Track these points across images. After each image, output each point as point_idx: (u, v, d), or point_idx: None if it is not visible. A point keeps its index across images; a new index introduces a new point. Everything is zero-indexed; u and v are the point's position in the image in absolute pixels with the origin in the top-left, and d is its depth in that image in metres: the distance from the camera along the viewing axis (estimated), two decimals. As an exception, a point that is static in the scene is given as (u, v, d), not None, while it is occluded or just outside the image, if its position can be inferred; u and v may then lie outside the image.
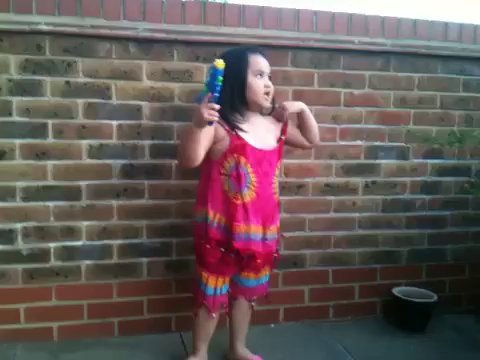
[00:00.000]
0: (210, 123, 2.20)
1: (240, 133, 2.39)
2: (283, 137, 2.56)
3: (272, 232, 2.50)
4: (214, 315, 2.52)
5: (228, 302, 2.59)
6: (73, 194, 2.77)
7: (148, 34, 2.71)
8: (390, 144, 3.21)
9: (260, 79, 2.42)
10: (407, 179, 3.27)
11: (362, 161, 3.18)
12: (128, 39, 2.73)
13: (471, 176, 3.34)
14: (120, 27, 2.69)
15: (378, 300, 3.31)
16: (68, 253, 2.80)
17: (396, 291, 3.21)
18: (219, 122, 2.30)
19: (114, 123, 2.77)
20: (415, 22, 3.12)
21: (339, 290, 3.23)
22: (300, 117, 2.61)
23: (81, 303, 2.85)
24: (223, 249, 2.40)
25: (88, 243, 2.82)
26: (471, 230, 3.41)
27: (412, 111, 3.23)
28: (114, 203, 2.83)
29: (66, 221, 2.78)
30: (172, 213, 2.86)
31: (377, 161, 3.21)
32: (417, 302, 3.12)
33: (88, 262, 2.83)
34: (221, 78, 2.12)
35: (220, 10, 2.82)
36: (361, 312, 3.27)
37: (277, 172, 2.54)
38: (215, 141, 2.37)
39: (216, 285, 2.48)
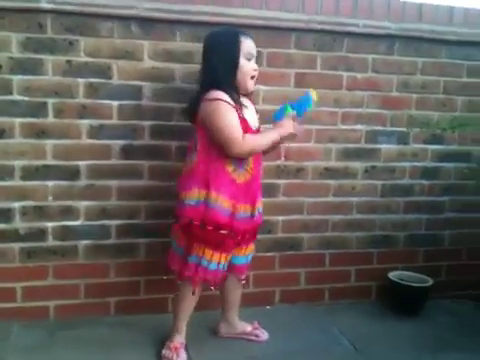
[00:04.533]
0: None
1: (244, 113, 2.41)
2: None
3: (258, 207, 2.53)
4: (202, 290, 2.54)
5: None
6: (72, 174, 2.76)
7: (150, 14, 2.68)
8: (391, 129, 3.19)
9: (249, 63, 2.43)
10: (407, 164, 3.26)
11: (362, 145, 3.17)
12: (130, 18, 2.69)
13: (471, 162, 3.33)
14: (122, 6, 2.65)
15: (374, 284, 3.33)
16: (66, 232, 2.80)
17: (392, 275, 3.22)
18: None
19: (115, 103, 2.75)
20: (420, 6, 3.08)
21: (335, 273, 3.25)
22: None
23: (78, 282, 2.86)
24: (211, 227, 2.40)
25: (86, 223, 2.82)
26: (469, 216, 3.41)
27: (414, 96, 3.20)
28: (113, 183, 2.82)
29: (65, 201, 2.78)
30: (171, 194, 2.78)
31: (377, 146, 3.19)
32: (412, 286, 3.14)
33: (86, 242, 2.84)
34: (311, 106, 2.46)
35: (224, -10, 2.78)
36: (357, 296, 3.29)
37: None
38: None
39: (220, 261, 2.46)
